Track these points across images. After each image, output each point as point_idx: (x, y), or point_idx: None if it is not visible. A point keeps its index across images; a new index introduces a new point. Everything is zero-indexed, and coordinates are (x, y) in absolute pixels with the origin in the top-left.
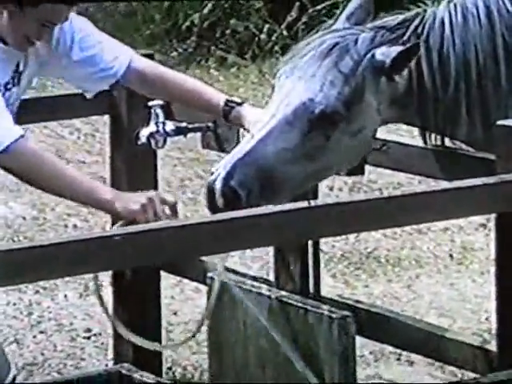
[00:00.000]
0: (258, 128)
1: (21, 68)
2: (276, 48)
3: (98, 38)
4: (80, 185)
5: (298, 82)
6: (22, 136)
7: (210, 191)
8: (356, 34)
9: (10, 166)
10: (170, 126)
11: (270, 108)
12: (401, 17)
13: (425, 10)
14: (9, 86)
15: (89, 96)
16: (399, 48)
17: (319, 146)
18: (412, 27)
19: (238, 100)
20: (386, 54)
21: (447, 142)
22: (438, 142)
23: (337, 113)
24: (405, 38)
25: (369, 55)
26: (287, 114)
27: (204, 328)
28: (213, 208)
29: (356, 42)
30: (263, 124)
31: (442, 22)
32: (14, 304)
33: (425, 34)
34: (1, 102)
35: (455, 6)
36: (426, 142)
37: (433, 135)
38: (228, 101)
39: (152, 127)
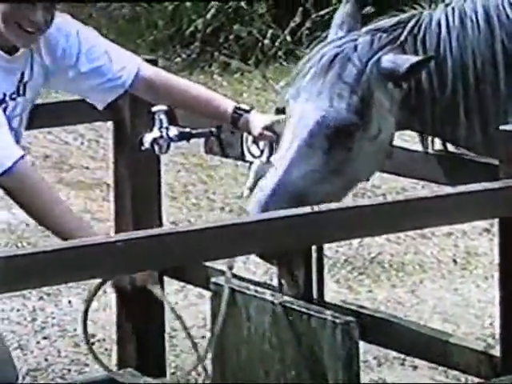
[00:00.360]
0: (279, 157)
1: (26, 78)
2: (279, 53)
3: (104, 47)
4: (71, 220)
5: (306, 103)
6: (22, 157)
7: None
8: (353, 40)
9: (10, 186)
10: (173, 131)
11: (286, 135)
12: (395, 18)
13: (421, 13)
14: (14, 96)
15: (100, 107)
16: (412, 58)
17: (343, 160)
18: (408, 28)
19: (247, 107)
20: (395, 62)
21: (450, 147)
22: (440, 147)
23: (351, 124)
24: (401, 38)
25: (373, 61)
26: (304, 137)
27: (208, 334)
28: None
29: (355, 48)
30: (283, 153)
31: (439, 24)
32: (18, 310)
33: (421, 34)
34: (2, 119)
35: (453, 9)
36: (424, 147)
37: (434, 140)
38: (237, 108)
39: (155, 133)
